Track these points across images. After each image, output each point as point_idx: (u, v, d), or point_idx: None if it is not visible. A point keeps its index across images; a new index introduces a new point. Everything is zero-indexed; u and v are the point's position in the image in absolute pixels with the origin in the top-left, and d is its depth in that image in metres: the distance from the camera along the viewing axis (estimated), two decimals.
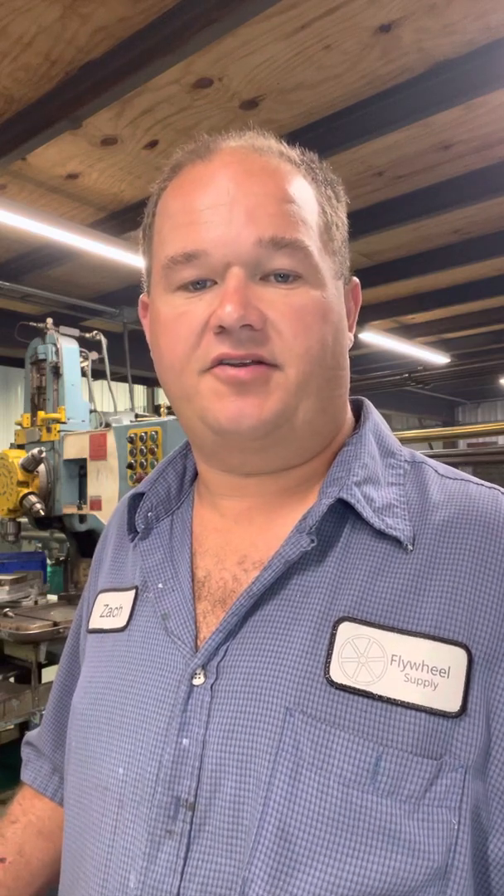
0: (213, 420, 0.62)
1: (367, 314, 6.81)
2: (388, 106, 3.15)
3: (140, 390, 9.29)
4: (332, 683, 0.56)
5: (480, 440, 8.31)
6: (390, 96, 3.11)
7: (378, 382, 6.65)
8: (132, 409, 3.24)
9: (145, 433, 2.29)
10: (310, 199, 0.65)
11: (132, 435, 2.32)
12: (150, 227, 0.70)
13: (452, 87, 2.96)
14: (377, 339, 6.83)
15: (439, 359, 7.64)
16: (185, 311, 0.63)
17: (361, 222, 4.57)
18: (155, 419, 2.57)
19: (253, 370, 0.61)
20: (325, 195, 0.67)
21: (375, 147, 3.66)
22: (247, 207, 0.61)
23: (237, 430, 0.62)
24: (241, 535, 0.69)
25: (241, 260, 0.61)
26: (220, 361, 0.61)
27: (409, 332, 7.58)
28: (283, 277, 0.62)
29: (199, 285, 0.63)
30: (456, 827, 0.51)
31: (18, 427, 2.88)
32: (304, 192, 0.64)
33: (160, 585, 0.69)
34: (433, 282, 6.22)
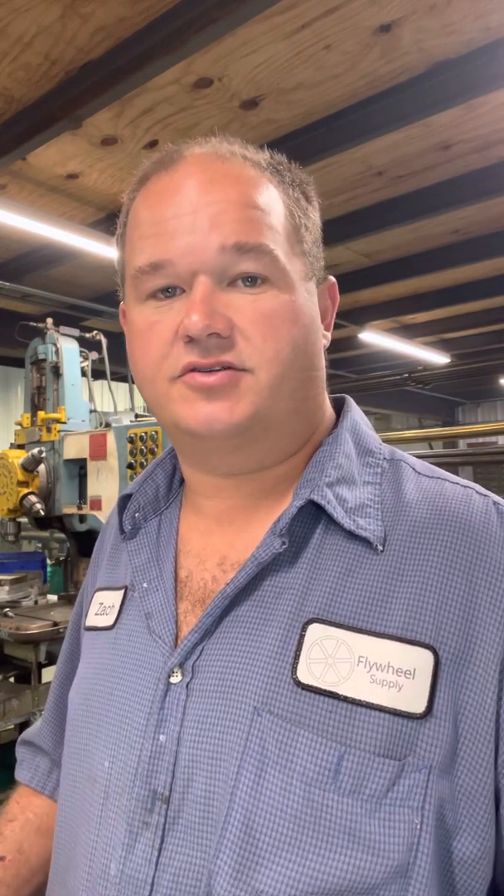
0: (186, 425, 0.63)
1: (367, 314, 6.81)
2: (388, 106, 3.15)
3: None
4: (298, 684, 0.57)
5: (480, 440, 8.32)
6: (390, 96, 3.12)
7: (378, 382, 6.63)
8: (132, 409, 3.23)
9: (145, 433, 2.29)
10: (275, 203, 0.64)
11: (132, 435, 2.32)
12: (122, 237, 0.71)
13: (452, 87, 2.96)
14: (377, 339, 6.82)
15: (439, 359, 7.63)
16: (156, 320, 0.64)
17: (361, 222, 4.58)
18: (155, 419, 2.57)
19: (221, 376, 0.61)
20: (293, 197, 0.67)
21: (375, 147, 3.66)
22: (209, 215, 0.61)
23: (210, 433, 0.62)
24: (221, 535, 0.70)
25: (206, 267, 0.61)
26: (191, 369, 0.62)
27: (409, 332, 7.57)
28: (251, 281, 0.62)
29: (168, 292, 0.63)
30: (418, 826, 0.52)
31: (18, 427, 2.88)
32: (268, 196, 0.64)
33: (145, 585, 0.70)
34: (433, 282, 6.22)
